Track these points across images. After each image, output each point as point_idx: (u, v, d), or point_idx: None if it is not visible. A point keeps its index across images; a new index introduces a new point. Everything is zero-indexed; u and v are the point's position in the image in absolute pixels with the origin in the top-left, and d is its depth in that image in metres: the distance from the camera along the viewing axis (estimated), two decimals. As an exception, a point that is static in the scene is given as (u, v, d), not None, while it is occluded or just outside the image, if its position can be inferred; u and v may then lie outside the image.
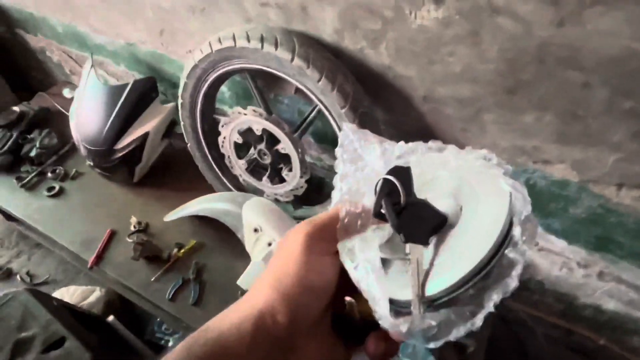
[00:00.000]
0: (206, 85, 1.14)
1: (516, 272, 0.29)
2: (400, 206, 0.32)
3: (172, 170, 1.56)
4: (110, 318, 1.31)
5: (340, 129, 1.00)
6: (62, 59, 1.86)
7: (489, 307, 0.30)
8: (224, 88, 1.32)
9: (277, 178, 1.23)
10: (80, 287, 1.55)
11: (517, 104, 0.87)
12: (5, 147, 1.55)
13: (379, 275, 0.31)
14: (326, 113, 0.99)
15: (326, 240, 0.34)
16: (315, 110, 1.05)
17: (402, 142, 0.38)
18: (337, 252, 0.34)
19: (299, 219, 1.29)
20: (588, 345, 1.35)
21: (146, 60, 1.49)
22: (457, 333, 0.29)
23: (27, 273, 1.67)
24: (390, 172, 0.33)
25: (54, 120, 1.73)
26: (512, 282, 0.29)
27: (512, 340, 1.47)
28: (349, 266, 0.32)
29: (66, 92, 1.73)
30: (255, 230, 1.13)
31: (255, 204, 1.18)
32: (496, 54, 0.82)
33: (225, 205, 1.21)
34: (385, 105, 1.05)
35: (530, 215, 0.31)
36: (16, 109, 1.68)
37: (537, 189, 1.00)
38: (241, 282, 1.12)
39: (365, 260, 0.31)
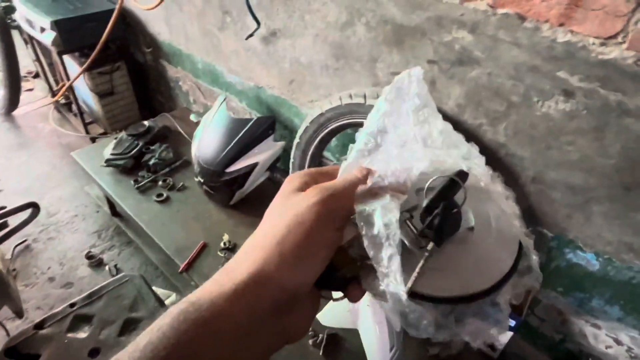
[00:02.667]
0: (325, 132, 1.29)
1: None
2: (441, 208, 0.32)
3: (266, 200, 1.68)
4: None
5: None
6: (191, 89, 2.17)
7: (462, 333, 0.33)
8: (333, 139, 1.47)
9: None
10: (159, 289, 1.66)
11: (632, 200, 0.90)
12: (132, 153, 1.80)
13: (397, 244, 0.31)
14: (435, 175, 1.08)
15: (340, 215, 0.33)
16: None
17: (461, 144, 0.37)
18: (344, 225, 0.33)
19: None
20: None
21: (268, 102, 1.71)
22: (428, 333, 0.32)
23: (115, 266, 1.84)
24: (458, 175, 0.33)
25: (173, 138, 1.98)
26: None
27: None
28: (366, 231, 0.32)
29: (193, 117, 1.99)
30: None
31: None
32: (618, 150, 0.87)
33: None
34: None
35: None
36: (146, 123, 1.96)
37: (639, 289, 0.99)
38: (321, 317, 1.17)
39: (385, 227, 0.31)
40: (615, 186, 0.91)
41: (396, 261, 0.31)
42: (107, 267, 1.85)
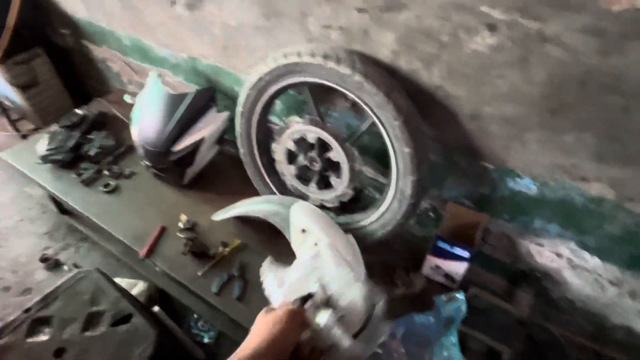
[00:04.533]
0: (266, 96, 1.26)
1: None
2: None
3: (219, 175, 1.66)
4: (156, 308, 1.39)
5: (391, 142, 1.09)
6: (122, 69, 2.03)
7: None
8: (277, 100, 1.44)
9: (323, 184, 1.32)
10: (124, 279, 1.63)
11: (558, 124, 0.96)
12: (69, 145, 1.69)
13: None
14: (379, 126, 1.09)
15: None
16: (369, 123, 1.15)
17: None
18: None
19: (340, 225, 1.37)
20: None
21: (205, 72, 1.63)
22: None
23: (74, 264, 1.77)
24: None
25: (111, 124, 1.87)
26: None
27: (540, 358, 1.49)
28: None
29: (127, 98, 1.88)
30: (303, 230, 1.22)
31: (303, 207, 1.27)
32: (542, 78, 0.91)
33: (274, 206, 1.31)
34: (434, 121, 1.14)
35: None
36: (79, 111, 1.83)
37: (574, 206, 1.07)
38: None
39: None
40: (543, 112, 0.96)
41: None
42: (65, 267, 1.78)
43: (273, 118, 1.55)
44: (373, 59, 1.11)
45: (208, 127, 1.50)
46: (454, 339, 1.13)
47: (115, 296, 1.03)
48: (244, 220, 1.48)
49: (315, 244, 1.18)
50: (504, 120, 1.03)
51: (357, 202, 1.50)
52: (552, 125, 0.97)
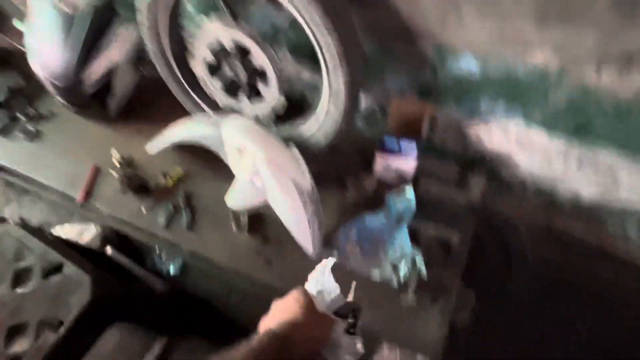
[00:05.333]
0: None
1: None
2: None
3: (149, 102, 1.51)
4: (108, 250, 1.35)
5: (314, 36, 0.95)
6: (11, -9, 1.70)
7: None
8: (187, 4, 1.24)
9: (255, 96, 1.20)
10: (75, 225, 1.57)
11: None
12: (-31, 93, 1.48)
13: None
14: (299, 18, 0.94)
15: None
16: (289, 17, 0.99)
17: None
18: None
19: (282, 138, 1.28)
20: (566, 238, 1.43)
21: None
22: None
23: (20, 219, 1.69)
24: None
25: (16, 60, 1.62)
26: None
27: (495, 240, 1.55)
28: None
29: (17, 24, 1.59)
30: (239, 149, 1.13)
31: (235, 123, 1.16)
32: None
33: (203, 128, 1.19)
34: (360, 4, 0.99)
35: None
36: (-29, 52, 1.57)
37: (518, 80, 0.99)
38: (228, 199, 1.14)
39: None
40: (476, -26, 0.82)
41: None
42: (10, 221, 1.69)
43: (188, 24, 1.34)
44: None
45: (117, 48, 1.31)
46: (404, 233, 1.13)
47: (42, 248, 0.97)
48: (182, 146, 1.37)
49: (254, 163, 1.11)
50: (436, -9, 0.89)
51: (302, 110, 1.39)
52: (488, -12, 0.84)
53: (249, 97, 1.19)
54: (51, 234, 1.11)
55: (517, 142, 1.16)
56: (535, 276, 1.46)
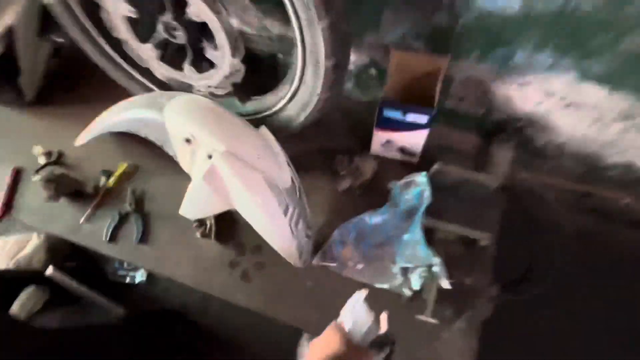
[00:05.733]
0: None
1: None
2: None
3: (75, 80, 1.17)
4: (49, 271, 1.08)
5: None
6: None
7: None
8: None
9: (203, 63, 0.87)
10: (12, 237, 1.29)
11: None
12: None
13: None
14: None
15: None
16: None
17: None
18: None
19: (248, 115, 0.97)
20: (608, 206, 1.18)
21: None
22: None
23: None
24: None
25: None
26: None
27: (517, 208, 1.29)
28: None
29: None
30: (188, 140, 0.82)
31: (180, 104, 0.85)
32: None
33: (141, 112, 0.88)
34: None
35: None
36: None
37: (579, 18, 0.67)
38: (184, 210, 0.86)
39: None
40: None
41: None
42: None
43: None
44: None
45: (8, 9, 0.95)
46: (417, 235, 0.86)
47: None
48: (128, 135, 1.06)
49: (209, 157, 0.81)
50: None
51: (272, 74, 1.06)
52: None
53: (195, 66, 0.87)
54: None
55: (562, 102, 0.87)
56: (569, 253, 1.23)
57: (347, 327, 0.62)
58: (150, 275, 1.33)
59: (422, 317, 0.87)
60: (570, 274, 1.20)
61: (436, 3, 0.75)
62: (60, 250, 1.31)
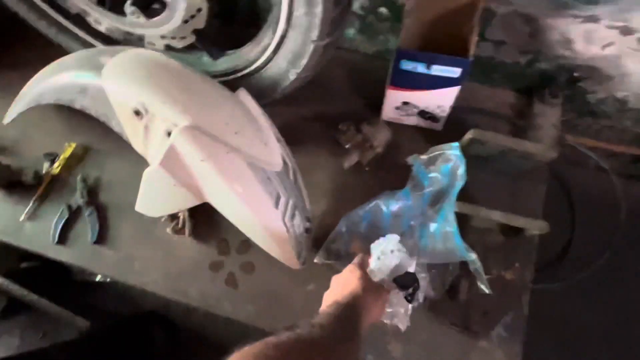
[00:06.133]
0: None
1: None
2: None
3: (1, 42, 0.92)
4: (-1, 282, 0.89)
5: None
6: None
7: None
8: None
9: (154, 4, 0.63)
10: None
11: None
12: None
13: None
14: None
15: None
16: None
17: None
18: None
19: (223, 76, 0.74)
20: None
21: None
22: None
23: None
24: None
25: None
26: None
27: (556, 177, 1.08)
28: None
29: None
30: (137, 112, 0.60)
31: (124, 64, 0.62)
32: None
33: (73, 76, 0.65)
34: None
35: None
36: None
37: None
38: (141, 207, 0.65)
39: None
40: None
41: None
42: None
43: None
44: None
45: None
46: (448, 224, 0.66)
47: None
48: (73, 110, 0.82)
49: (168, 134, 0.59)
50: None
51: (250, 18, 0.82)
52: None
53: (145, 10, 0.62)
54: None
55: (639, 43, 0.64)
56: (618, 228, 1.03)
57: (373, 263, 0.62)
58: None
59: (454, 325, 0.70)
60: (617, 256, 1.02)
61: None
62: (12, 252, 1.10)
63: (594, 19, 0.64)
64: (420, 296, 0.63)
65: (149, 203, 0.65)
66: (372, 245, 0.64)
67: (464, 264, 0.69)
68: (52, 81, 0.68)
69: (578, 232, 1.05)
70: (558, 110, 0.82)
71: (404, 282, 0.61)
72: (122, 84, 0.61)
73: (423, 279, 0.69)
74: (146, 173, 0.61)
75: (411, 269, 0.63)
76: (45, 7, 0.71)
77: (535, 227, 0.67)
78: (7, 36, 0.95)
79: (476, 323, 0.71)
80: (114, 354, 0.91)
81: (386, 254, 0.63)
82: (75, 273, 1.14)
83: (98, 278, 1.14)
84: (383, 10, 0.77)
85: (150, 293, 0.82)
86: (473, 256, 0.66)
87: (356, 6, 0.78)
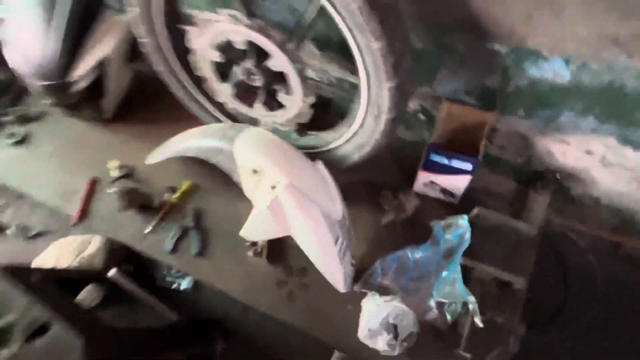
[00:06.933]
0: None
1: None
2: None
3: (150, 102, 1.30)
4: (112, 272, 1.20)
5: (352, 35, 0.71)
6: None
7: None
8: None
9: (273, 103, 0.97)
10: (77, 237, 1.42)
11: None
12: (-53, 90, 1.29)
13: None
14: (330, 9, 0.70)
15: None
16: (316, 5, 0.75)
17: None
18: None
19: (305, 148, 1.07)
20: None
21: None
22: None
23: (18, 226, 1.55)
24: None
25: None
26: None
27: (550, 251, 1.34)
28: None
29: (-3, 11, 1.38)
30: (255, 171, 0.92)
31: (250, 138, 0.96)
32: None
33: (212, 141, 0.99)
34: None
35: None
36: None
37: (622, 92, 0.74)
38: (245, 233, 0.95)
39: None
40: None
41: None
42: (12, 228, 1.56)
43: (195, 12, 1.11)
44: None
45: (107, 40, 1.09)
46: (456, 273, 0.93)
47: (26, 301, 0.81)
48: (192, 158, 1.17)
49: (273, 187, 0.91)
50: (526, -27, 0.63)
51: (327, 113, 1.17)
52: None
53: (266, 104, 0.97)
54: (40, 272, 0.95)
55: (601, 161, 0.93)
56: (600, 298, 1.27)
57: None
58: (195, 284, 1.43)
59: (460, 351, 0.93)
60: (600, 319, 1.24)
61: (490, 68, 0.83)
62: (118, 253, 1.43)
63: (566, 142, 0.93)
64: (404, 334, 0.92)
65: (251, 231, 0.95)
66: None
67: (465, 305, 0.94)
68: (197, 142, 1.02)
69: (570, 295, 1.29)
70: (547, 198, 1.09)
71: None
72: (247, 152, 0.94)
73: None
74: (255, 212, 0.93)
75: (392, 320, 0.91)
76: (197, 94, 1.08)
77: (517, 282, 0.93)
78: (149, 96, 1.32)
79: (473, 353, 0.95)
80: (186, 346, 1.18)
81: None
82: (157, 279, 1.43)
83: (174, 286, 1.43)
84: (422, 116, 1.10)
85: (213, 303, 1.10)
86: (472, 299, 0.92)
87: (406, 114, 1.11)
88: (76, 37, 1.08)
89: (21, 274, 0.87)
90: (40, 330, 0.78)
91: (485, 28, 0.75)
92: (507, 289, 1.00)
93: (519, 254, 1.01)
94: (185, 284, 1.43)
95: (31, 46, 1.10)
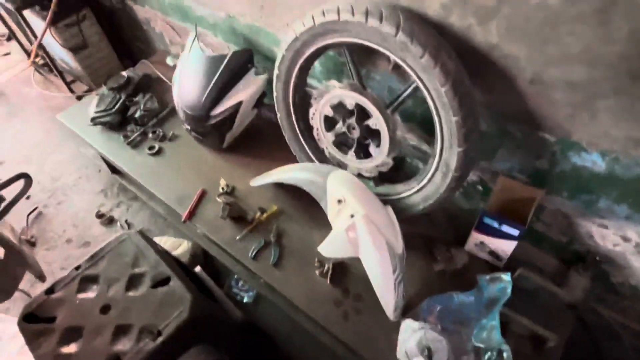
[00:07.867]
0: (303, 58, 1.19)
1: None
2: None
3: (258, 139, 1.65)
4: (198, 269, 1.44)
5: (437, 110, 0.99)
6: (164, 29, 2.01)
7: None
8: (316, 63, 1.36)
9: (362, 153, 1.25)
10: (170, 238, 1.71)
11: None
12: (116, 108, 1.73)
13: None
14: (424, 91, 0.99)
15: None
16: (412, 87, 1.05)
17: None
18: None
19: (379, 195, 1.31)
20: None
21: (243, 32, 1.57)
22: None
23: (126, 221, 1.89)
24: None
25: (155, 86, 1.89)
26: None
27: (589, 345, 1.40)
28: None
29: (169, 60, 1.88)
30: (339, 201, 1.18)
31: (340, 176, 1.22)
32: (625, 34, 0.76)
33: (310, 175, 1.27)
34: (486, 86, 1.02)
35: None
36: (124, 74, 1.86)
37: (650, 186, 0.93)
38: (322, 249, 1.18)
39: None
40: (621, 76, 0.81)
41: None
42: (118, 224, 1.90)
43: (313, 82, 1.48)
44: (420, 15, 0.99)
45: (246, 91, 1.47)
46: (495, 321, 1.07)
47: (155, 259, 1.07)
48: (281, 186, 1.46)
49: (352, 216, 1.14)
50: (571, 85, 0.89)
51: (399, 171, 1.42)
52: (631, 92, 0.82)
53: (357, 154, 1.25)
54: (162, 248, 1.22)
55: (637, 248, 1.07)
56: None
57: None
58: (256, 299, 1.62)
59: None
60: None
61: (541, 152, 1.06)
62: (199, 259, 1.69)
63: (604, 226, 1.10)
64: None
65: (328, 248, 1.18)
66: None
67: (500, 354, 1.06)
68: (296, 174, 1.31)
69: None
70: (588, 280, 1.21)
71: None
72: (336, 186, 1.20)
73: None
74: (333, 232, 1.16)
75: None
76: (301, 134, 1.39)
77: (552, 339, 1.04)
78: (255, 135, 1.67)
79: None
80: (244, 343, 1.35)
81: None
82: (224, 288, 1.65)
83: (237, 297, 1.64)
84: (479, 187, 1.32)
85: (267, 319, 1.27)
86: (507, 347, 1.04)
87: (466, 183, 1.34)
88: (224, 87, 1.47)
89: (150, 241, 1.15)
90: (163, 282, 1.03)
91: (538, 121, 1.00)
92: (541, 347, 1.10)
93: (555, 318, 1.12)
94: (247, 298, 1.63)
95: (190, 89, 1.51)
